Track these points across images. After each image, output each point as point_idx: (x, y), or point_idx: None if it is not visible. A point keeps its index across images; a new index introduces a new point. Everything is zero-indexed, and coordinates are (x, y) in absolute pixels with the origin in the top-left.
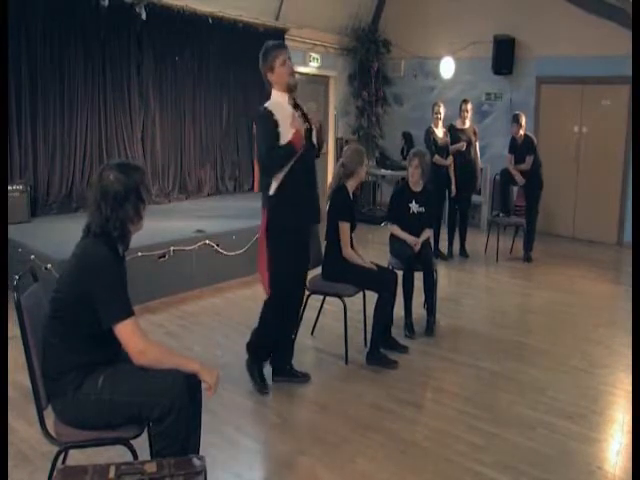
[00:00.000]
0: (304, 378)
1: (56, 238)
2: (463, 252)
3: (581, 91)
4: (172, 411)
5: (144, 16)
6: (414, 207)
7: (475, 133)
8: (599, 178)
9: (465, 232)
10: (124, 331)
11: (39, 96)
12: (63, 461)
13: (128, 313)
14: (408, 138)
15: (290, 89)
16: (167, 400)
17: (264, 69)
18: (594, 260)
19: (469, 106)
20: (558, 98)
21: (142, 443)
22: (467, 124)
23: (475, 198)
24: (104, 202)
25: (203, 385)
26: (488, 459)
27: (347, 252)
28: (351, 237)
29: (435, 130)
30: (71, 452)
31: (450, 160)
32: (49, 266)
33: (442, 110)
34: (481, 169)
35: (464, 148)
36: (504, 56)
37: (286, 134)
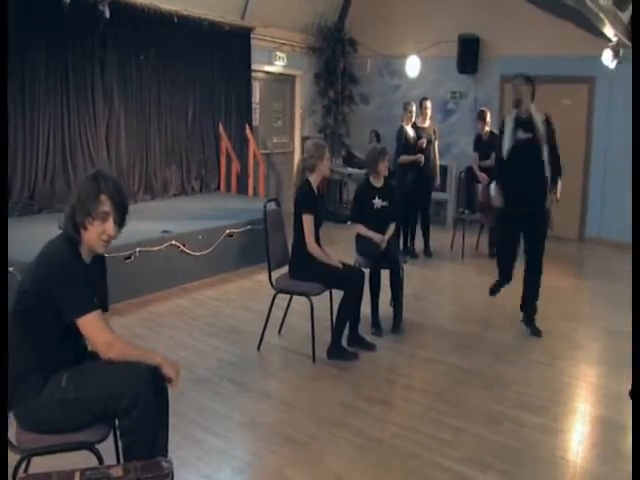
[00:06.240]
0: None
1: (18, 240)
2: (427, 251)
3: (543, 90)
4: (139, 402)
5: (107, 14)
6: (377, 202)
7: (435, 132)
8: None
9: (428, 231)
10: (89, 324)
11: None
12: (25, 470)
13: (92, 306)
14: (377, 136)
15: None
16: (133, 390)
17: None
18: (556, 255)
19: (428, 104)
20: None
21: (107, 448)
22: (427, 123)
23: (441, 196)
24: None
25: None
26: (456, 454)
27: (311, 245)
28: (318, 234)
29: (407, 128)
30: (33, 460)
31: (420, 156)
32: (11, 269)
33: (414, 109)
34: (441, 167)
35: (424, 145)
36: (469, 55)
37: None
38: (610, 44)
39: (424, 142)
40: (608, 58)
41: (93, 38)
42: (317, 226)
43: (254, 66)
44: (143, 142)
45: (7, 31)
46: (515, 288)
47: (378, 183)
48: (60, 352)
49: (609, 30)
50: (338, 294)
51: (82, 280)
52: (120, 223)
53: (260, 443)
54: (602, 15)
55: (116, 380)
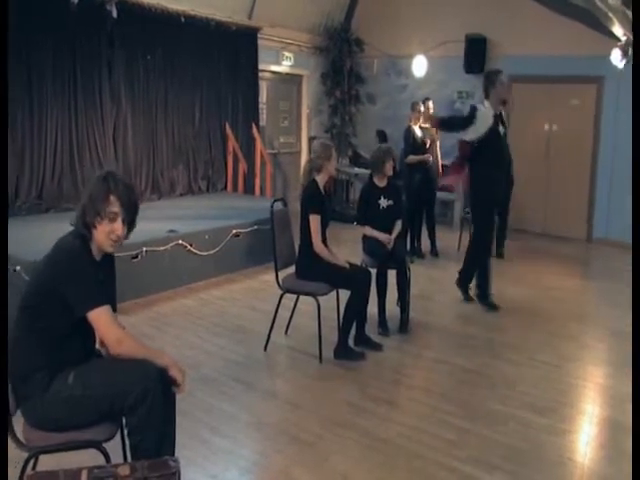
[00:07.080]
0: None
1: (25, 240)
2: (434, 251)
3: (550, 90)
4: (146, 398)
5: (115, 14)
6: (383, 202)
7: (437, 131)
8: (568, 175)
9: (434, 231)
10: (101, 318)
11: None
12: (33, 467)
13: (102, 300)
14: (382, 136)
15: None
16: (140, 387)
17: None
18: (564, 256)
19: (431, 104)
20: (528, 97)
21: (115, 446)
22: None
23: (448, 196)
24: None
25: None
26: (462, 454)
27: (317, 245)
28: (324, 235)
29: (414, 128)
30: (41, 458)
31: (428, 156)
32: (18, 268)
33: (422, 109)
34: (446, 166)
35: (427, 145)
36: (475, 55)
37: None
38: (619, 43)
39: (427, 142)
40: (617, 57)
41: (100, 38)
42: (324, 226)
43: (261, 66)
44: (150, 142)
45: (7, 31)
46: (520, 289)
47: (382, 183)
48: (67, 350)
49: (618, 29)
50: (345, 294)
51: (93, 275)
52: (130, 224)
53: (266, 443)
54: (611, 14)
55: (122, 377)
